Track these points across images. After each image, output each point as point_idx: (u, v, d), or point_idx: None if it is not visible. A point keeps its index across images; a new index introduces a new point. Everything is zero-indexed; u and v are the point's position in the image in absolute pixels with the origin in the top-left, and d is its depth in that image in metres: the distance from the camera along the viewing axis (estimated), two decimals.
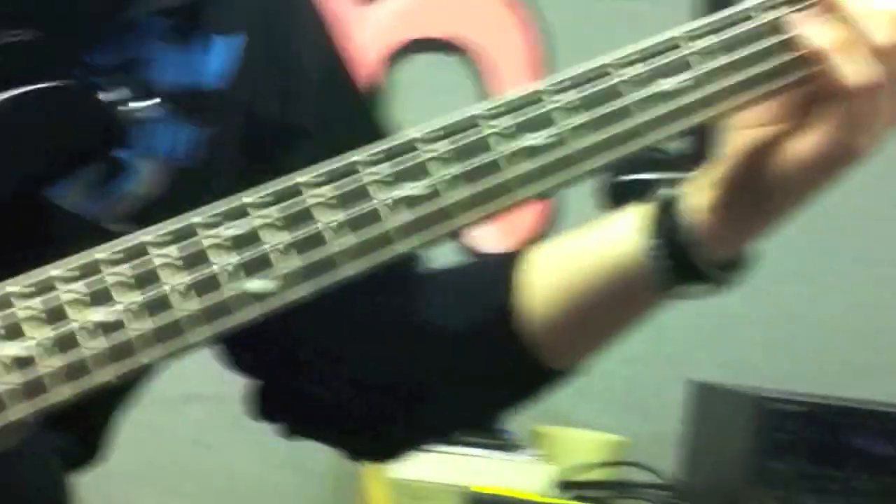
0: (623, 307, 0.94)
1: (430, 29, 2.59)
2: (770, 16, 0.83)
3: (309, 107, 0.99)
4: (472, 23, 2.60)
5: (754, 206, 0.87)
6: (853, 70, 0.81)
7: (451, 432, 1.11)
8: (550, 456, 2.26)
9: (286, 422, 1.05)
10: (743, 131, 0.87)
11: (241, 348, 0.99)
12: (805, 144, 0.83)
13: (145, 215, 0.83)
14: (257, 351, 0.99)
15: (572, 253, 0.95)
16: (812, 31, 0.82)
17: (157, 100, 0.89)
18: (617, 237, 0.92)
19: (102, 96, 0.85)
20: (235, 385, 1.05)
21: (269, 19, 0.98)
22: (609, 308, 0.94)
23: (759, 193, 0.86)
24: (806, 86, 0.83)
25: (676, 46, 0.82)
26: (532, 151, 0.80)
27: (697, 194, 0.88)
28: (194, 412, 2.42)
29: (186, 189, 0.89)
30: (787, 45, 0.83)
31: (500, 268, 0.98)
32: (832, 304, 2.56)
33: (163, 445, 2.42)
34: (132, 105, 0.87)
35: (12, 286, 0.76)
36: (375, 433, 1.03)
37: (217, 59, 0.93)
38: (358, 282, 0.78)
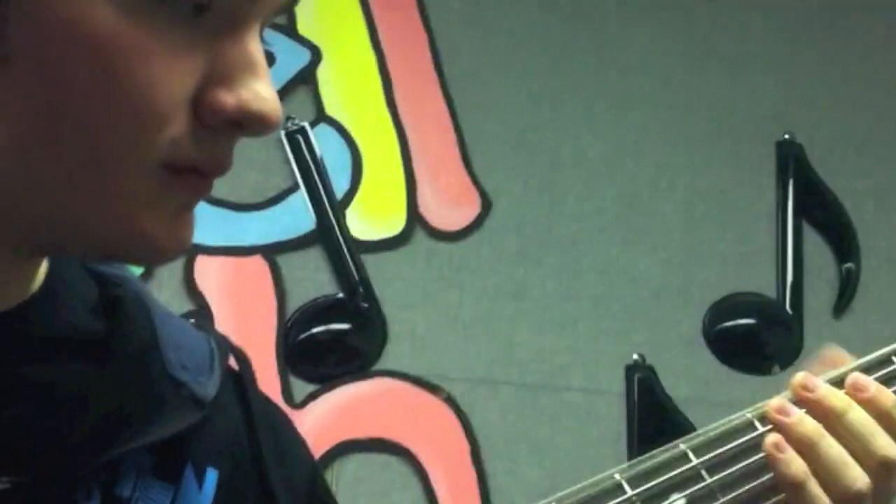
0: None
1: (364, 429, 2.64)
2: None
3: None
4: (405, 423, 2.65)
5: None
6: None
7: None
8: None
9: None
10: None
11: None
12: None
13: None
14: None
15: None
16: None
17: None
18: None
19: None
20: None
21: (245, 450, 0.98)
22: None
23: None
24: None
25: (685, 456, 0.89)
26: None
27: None
28: None
29: None
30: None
31: None
32: None
33: None
34: None
35: None
36: None
37: (200, 492, 0.93)
38: None
